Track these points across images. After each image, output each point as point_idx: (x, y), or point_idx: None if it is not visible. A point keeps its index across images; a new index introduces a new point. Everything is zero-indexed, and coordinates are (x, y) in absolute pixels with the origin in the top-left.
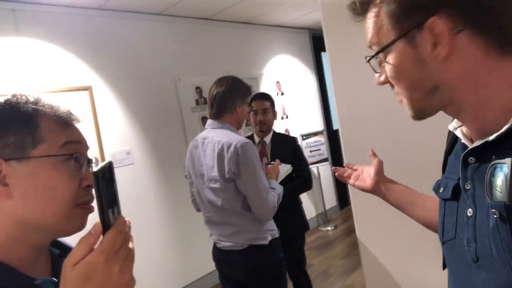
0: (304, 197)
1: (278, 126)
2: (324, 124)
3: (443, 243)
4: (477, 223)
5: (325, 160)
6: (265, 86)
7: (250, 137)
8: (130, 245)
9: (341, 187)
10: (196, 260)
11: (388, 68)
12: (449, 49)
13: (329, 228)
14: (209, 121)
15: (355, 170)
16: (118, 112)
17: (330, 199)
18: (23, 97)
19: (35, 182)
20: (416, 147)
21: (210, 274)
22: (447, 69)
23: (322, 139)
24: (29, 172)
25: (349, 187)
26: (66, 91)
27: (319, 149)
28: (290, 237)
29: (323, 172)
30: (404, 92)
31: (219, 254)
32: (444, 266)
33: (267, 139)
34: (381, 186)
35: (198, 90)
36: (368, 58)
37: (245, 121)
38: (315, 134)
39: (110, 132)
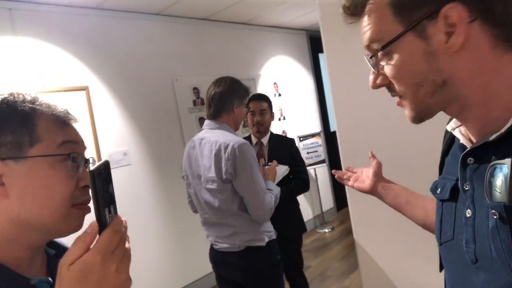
0: (301, 198)
1: (276, 128)
2: (321, 126)
3: (440, 244)
4: (476, 224)
5: (322, 161)
6: (263, 87)
7: (248, 138)
8: (127, 244)
9: (338, 189)
10: (193, 261)
11: (389, 66)
12: (464, 38)
13: (326, 230)
14: (206, 122)
15: (355, 172)
16: (115, 112)
17: (327, 201)
18: (20, 96)
19: (32, 181)
20: (413, 149)
21: (207, 276)
22: (458, 62)
23: (319, 140)
24: (26, 172)
25: (347, 189)
26: (62, 91)
27: (316, 151)
28: (287, 238)
29: (320, 174)
30: (410, 90)
31: (216, 255)
32: (441, 268)
33: (265, 140)
34: (379, 187)
35: (196, 90)
36: (370, 55)
37: (242, 122)
38: (313, 135)
39: (107, 133)
